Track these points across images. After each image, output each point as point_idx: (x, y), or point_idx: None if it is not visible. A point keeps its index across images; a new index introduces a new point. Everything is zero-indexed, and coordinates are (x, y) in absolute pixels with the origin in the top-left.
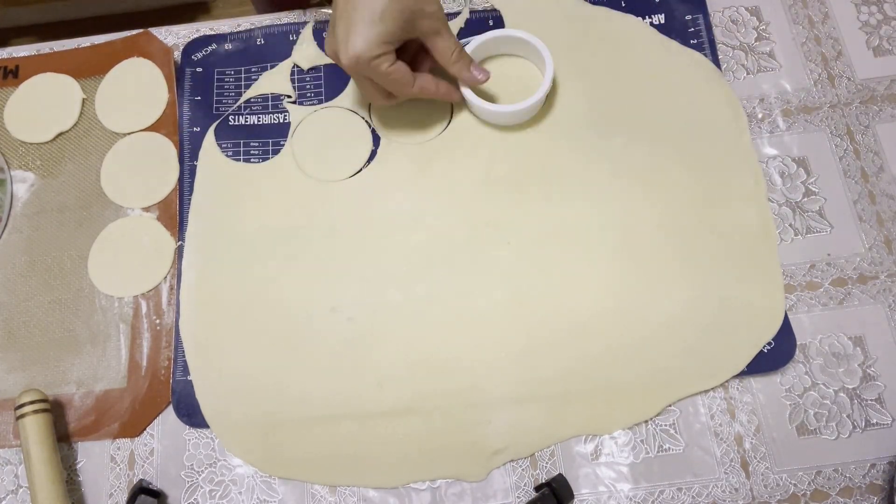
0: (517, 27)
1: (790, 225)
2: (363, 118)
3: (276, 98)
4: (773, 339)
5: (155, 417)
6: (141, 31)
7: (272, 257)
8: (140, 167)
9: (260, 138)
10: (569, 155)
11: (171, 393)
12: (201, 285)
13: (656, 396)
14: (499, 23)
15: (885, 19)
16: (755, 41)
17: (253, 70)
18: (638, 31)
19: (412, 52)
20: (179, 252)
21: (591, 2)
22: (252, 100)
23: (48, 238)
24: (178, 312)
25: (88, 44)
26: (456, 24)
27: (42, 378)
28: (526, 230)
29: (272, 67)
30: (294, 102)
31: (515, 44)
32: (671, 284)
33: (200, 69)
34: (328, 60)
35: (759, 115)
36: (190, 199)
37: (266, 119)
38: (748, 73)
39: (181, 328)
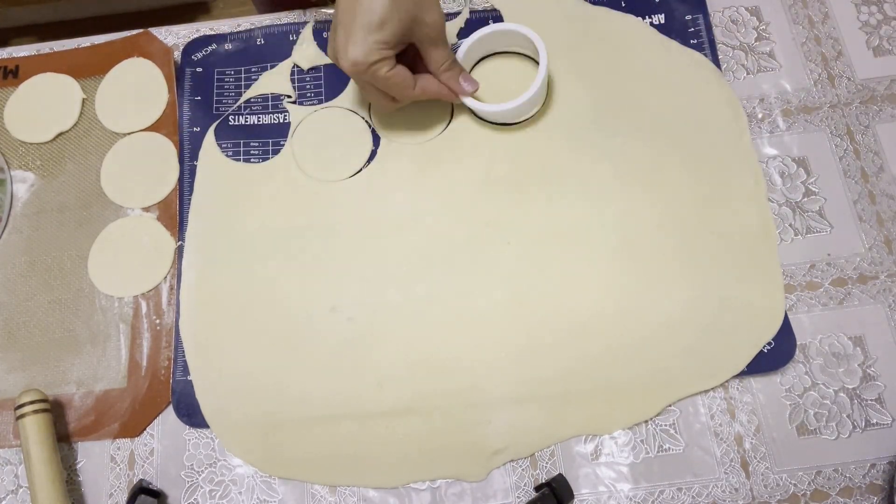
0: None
1: (790, 225)
2: (363, 118)
3: (276, 98)
4: (773, 339)
5: (155, 417)
6: (141, 31)
7: (272, 257)
8: (140, 167)
9: (260, 138)
10: (569, 155)
11: (171, 393)
12: (201, 285)
13: (656, 396)
14: (498, 22)
15: (885, 19)
16: (755, 41)
17: (253, 70)
18: (638, 31)
19: (413, 53)
20: (179, 252)
21: (591, 2)
22: (252, 100)
23: (48, 238)
24: (178, 312)
25: (88, 44)
26: (456, 24)
27: (42, 378)
28: (526, 230)
29: (272, 67)
30: (294, 102)
31: (510, 38)
32: (671, 284)
33: (200, 69)
34: (328, 60)
35: (759, 115)
36: (190, 199)
37: (266, 119)
38: (748, 73)
39: (181, 328)
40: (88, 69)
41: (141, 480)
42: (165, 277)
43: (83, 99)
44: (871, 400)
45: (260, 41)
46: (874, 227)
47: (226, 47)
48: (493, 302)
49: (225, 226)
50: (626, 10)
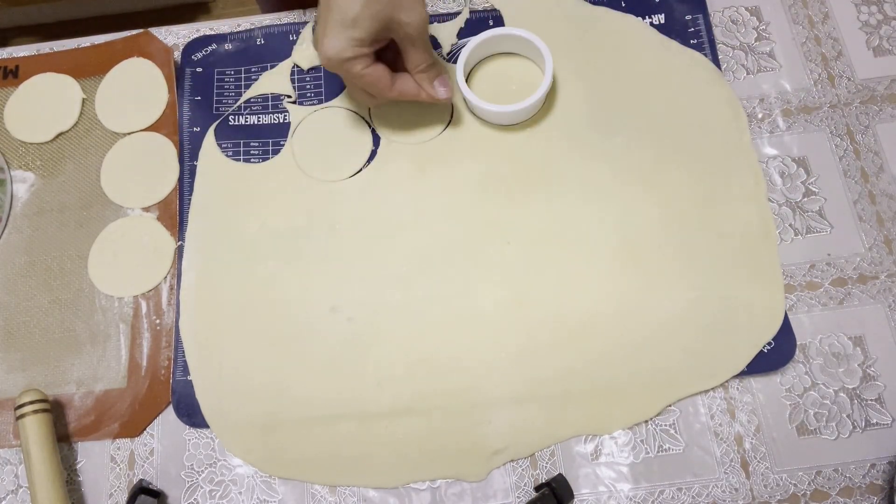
0: (517, 27)
1: (790, 225)
2: (363, 118)
3: (276, 98)
4: (773, 339)
5: (155, 417)
6: (141, 31)
7: (272, 257)
8: (140, 167)
9: (260, 138)
10: (569, 155)
11: (171, 393)
12: (201, 285)
13: (656, 396)
14: (499, 23)
15: (885, 19)
16: (755, 41)
17: (253, 70)
18: (638, 31)
19: (396, 50)
20: (179, 252)
21: (591, 2)
22: (252, 100)
23: (48, 238)
24: (178, 312)
25: (88, 44)
26: (456, 24)
27: (42, 378)
28: (526, 230)
29: (272, 67)
30: (294, 102)
31: (515, 42)
32: (671, 284)
33: (200, 69)
34: None
35: (759, 115)
36: (190, 199)
37: (266, 119)
38: (748, 73)
39: (181, 328)
40: (88, 69)
41: (141, 480)
42: (165, 277)
43: (83, 99)
44: (871, 400)
45: (260, 41)
46: (874, 227)
47: (226, 47)
48: (493, 302)
49: (225, 226)
50: (626, 10)
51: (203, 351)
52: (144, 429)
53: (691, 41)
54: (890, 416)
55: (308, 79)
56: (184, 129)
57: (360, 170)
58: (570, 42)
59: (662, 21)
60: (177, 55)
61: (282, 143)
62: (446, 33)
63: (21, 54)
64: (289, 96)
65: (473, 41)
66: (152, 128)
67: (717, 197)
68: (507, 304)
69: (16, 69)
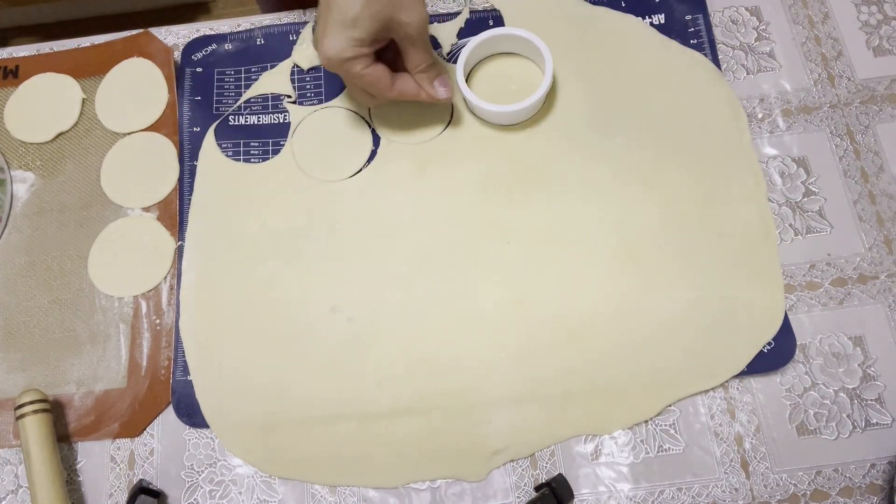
0: (517, 27)
1: (790, 225)
2: (363, 118)
3: (276, 98)
4: (773, 339)
5: (155, 417)
6: (141, 31)
7: (272, 257)
8: (140, 167)
9: (260, 138)
10: (569, 155)
11: (171, 393)
12: (201, 285)
13: (656, 396)
14: (499, 23)
15: (885, 19)
16: (755, 41)
17: (253, 70)
18: (638, 31)
19: (396, 50)
20: (179, 252)
21: (591, 2)
22: (252, 100)
23: (48, 238)
24: (178, 312)
25: (88, 44)
26: (456, 24)
27: (42, 378)
28: (526, 230)
29: (272, 67)
30: (294, 102)
31: (515, 42)
32: (671, 284)
33: (200, 69)
34: None
35: (759, 115)
36: (190, 199)
37: (266, 119)
38: (748, 73)
39: (181, 328)
40: (88, 69)
41: (141, 480)
42: (165, 277)
43: (83, 99)
44: (871, 400)
45: (260, 41)
46: (874, 227)
47: (226, 47)
48: (493, 302)
49: (225, 226)
50: (626, 10)
51: (203, 351)
52: (144, 429)
53: (691, 41)
54: (890, 416)
55: (308, 79)
56: (184, 129)
57: (360, 170)
58: (570, 42)
59: (662, 21)
60: (177, 55)
61: (282, 143)
62: (446, 33)
63: (21, 54)
64: (289, 96)
65: (473, 41)
66: (152, 128)
67: (717, 197)
68: (507, 304)
69: (16, 69)
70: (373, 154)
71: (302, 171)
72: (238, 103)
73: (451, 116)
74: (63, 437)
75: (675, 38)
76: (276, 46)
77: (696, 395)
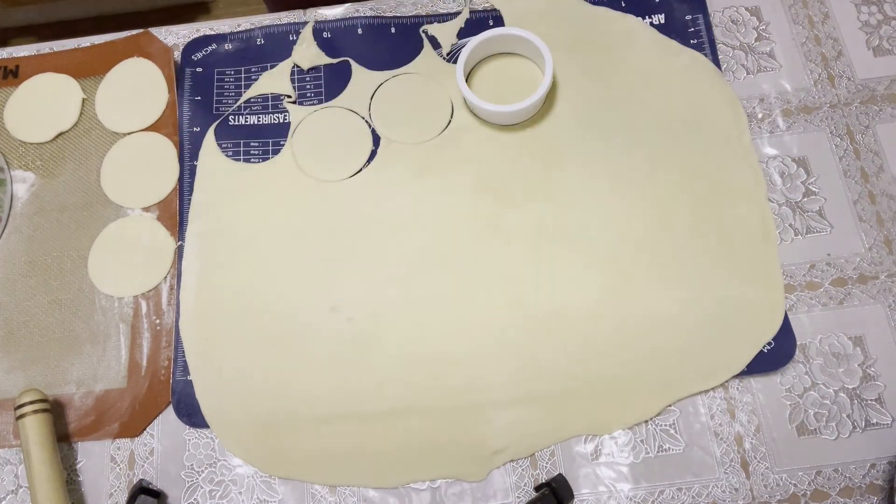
0: (517, 27)
1: (790, 225)
2: (363, 118)
3: (276, 98)
4: (773, 339)
5: (155, 417)
6: (141, 31)
7: (272, 257)
8: (140, 167)
9: (260, 138)
10: (569, 155)
11: (171, 393)
12: (201, 285)
13: (656, 396)
14: (499, 23)
15: (885, 19)
16: (755, 41)
17: (253, 70)
18: (638, 31)
19: None
20: (179, 252)
21: (591, 2)
22: (252, 100)
23: (48, 238)
24: (178, 312)
25: (88, 44)
26: (456, 24)
27: (42, 378)
28: (526, 230)
29: (272, 67)
30: (294, 102)
31: (515, 42)
32: (671, 284)
33: (200, 69)
34: (328, 60)
35: (759, 115)
36: (190, 199)
37: (266, 119)
38: (748, 73)
39: (181, 328)
40: (88, 69)
41: (141, 480)
42: (165, 277)
43: (83, 99)
44: (871, 400)
45: (260, 41)
46: (874, 227)
47: (226, 47)
48: (493, 302)
49: (225, 226)
50: (626, 10)
51: (203, 351)
52: (144, 429)
53: (691, 41)
54: (890, 416)
55: (308, 79)
56: (184, 129)
57: (360, 170)
58: (570, 42)
59: (662, 21)
60: (177, 55)
61: (282, 143)
62: (446, 33)
63: (21, 54)
64: (289, 96)
65: (473, 41)
66: (152, 128)
67: (717, 197)
68: (507, 303)
69: (16, 69)
70: (373, 154)
71: (302, 171)
72: (238, 103)
73: (452, 116)
74: (63, 437)
75: (675, 38)
76: (276, 46)
77: (696, 395)
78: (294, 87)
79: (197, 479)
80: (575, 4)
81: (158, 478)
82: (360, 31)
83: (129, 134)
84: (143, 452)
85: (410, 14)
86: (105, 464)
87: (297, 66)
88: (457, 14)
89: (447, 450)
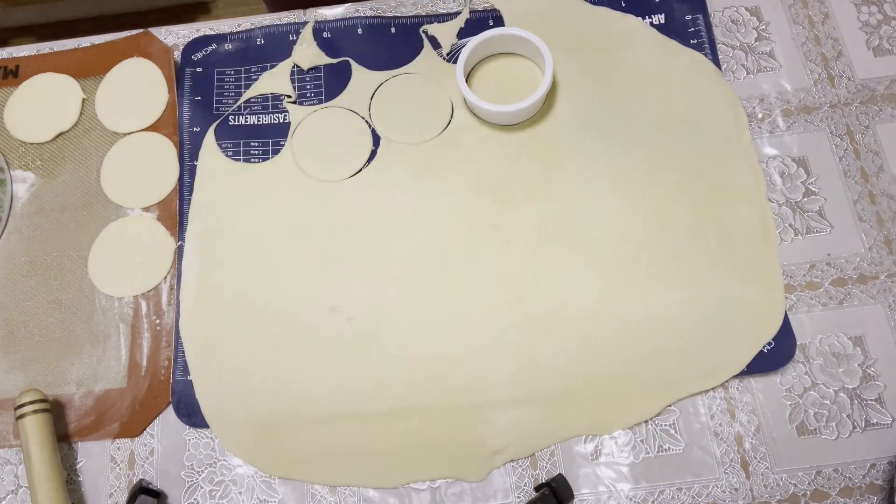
0: (517, 27)
1: (790, 225)
2: (363, 118)
3: (276, 98)
4: (773, 339)
5: (155, 417)
6: (141, 31)
7: (272, 257)
8: (140, 167)
9: (260, 138)
10: (569, 155)
11: (171, 393)
12: (201, 285)
13: (656, 396)
14: (499, 23)
15: (885, 19)
16: (755, 41)
17: (253, 70)
18: (638, 31)
19: None
20: (179, 252)
21: (591, 2)
22: (252, 100)
23: (48, 238)
24: (178, 312)
25: (88, 44)
26: (456, 24)
27: (42, 378)
28: (526, 230)
29: (272, 67)
30: (294, 102)
31: (515, 42)
32: (671, 284)
33: (200, 69)
34: (328, 60)
35: (759, 115)
36: (190, 199)
37: (266, 119)
38: (748, 73)
39: (181, 328)
40: (88, 69)
41: (141, 480)
42: (165, 277)
43: (83, 99)
44: (871, 400)
45: (260, 41)
46: (874, 227)
47: (226, 47)
48: (493, 302)
49: (225, 226)
50: (626, 10)
51: (203, 351)
52: (144, 429)
53: (691, 41)
54: (890, 416)
55: (308, 79)
56: (184, 129)
57: (360, 170)
58: (570, 42)
59: (662, 21)
60: (177, 55)
61: (282, 143)
62: (446, 33)
63: (21, 54)
64: (289, 96)
65: (473, 41)
66: (152, 128)
67: (717, 197)
68: (507, 303)
69: (16, 69)
70: (373, 154)
71: (302, 171)
72: (238, 103)
73: (452, 116)
74: (63, 437)
75: (675, 38)
76: (276, 46)
77: (696, 395)
78: (294, 87)
79: (197, 479)
80: (575, 4)
81: (158, 478)
82: (360, 31)
83: (129, 134)
84: (143, 452)
85: (410, 14)
86: (105, 464)
87: (297, 66)
88: (457, 14)
89: (447, 450)
